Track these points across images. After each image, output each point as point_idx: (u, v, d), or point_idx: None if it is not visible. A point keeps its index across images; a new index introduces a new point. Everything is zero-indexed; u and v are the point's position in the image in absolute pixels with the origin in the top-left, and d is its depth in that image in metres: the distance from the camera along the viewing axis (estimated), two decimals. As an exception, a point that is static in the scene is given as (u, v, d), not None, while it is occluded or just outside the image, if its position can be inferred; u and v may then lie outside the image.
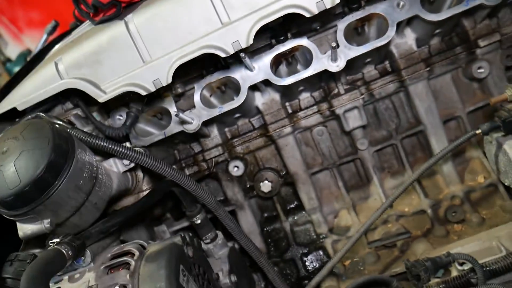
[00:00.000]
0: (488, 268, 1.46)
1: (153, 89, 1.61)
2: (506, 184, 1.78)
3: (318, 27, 1.89)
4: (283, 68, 1.95)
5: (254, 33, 1.53)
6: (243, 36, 1.54)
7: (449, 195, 2.01)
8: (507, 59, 1.91)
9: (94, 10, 1.64)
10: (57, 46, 2.30)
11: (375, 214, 1.76)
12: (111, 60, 1.62)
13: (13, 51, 7.90)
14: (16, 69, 7.45)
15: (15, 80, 2.47)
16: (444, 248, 1.74)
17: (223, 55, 1.55)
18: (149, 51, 1.60)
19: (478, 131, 1.68)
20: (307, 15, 1.50)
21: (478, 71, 1.89)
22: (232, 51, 1.55)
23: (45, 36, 3.25)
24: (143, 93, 1.61)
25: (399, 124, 2.06)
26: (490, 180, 1.97)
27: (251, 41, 1.54)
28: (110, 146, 1.57)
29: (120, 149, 1.58)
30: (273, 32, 1.82)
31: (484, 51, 1.87)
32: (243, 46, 1.55)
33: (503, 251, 1.59)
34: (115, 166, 1.68)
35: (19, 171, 1.31)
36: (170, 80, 1.59)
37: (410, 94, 1.95)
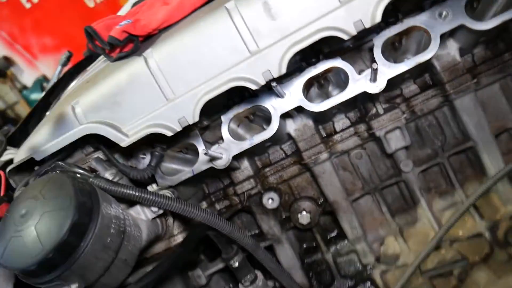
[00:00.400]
0: None
1: (179, 129, 1.48)
2: None
3: (351, 45, 1.73)
4: (314, 90, 1.80)
5: (287, 61, 1.38)
6: (275, 65, 1.40)
7: (508, 215, 1.82)
8: None
9: (110, 47, 1.51)
10: (73, 83, 2.21)
11: (429, 245, 1.60)
12: (132, 101, 1.50)
13: (28, 78, 7.94)
14: (33, 96, 7.47)
15: (33, 115, 2.39)
16: (510, 276, 1.56)
17: (253, 87, 1.41)
18: (172, 87, 1.47)
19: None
20: (345, 37, 1.35)
21: (532, 78, 1.71)
22: (263, 82, 1.41)
23: (59, 68, 3.16)
24: (169, 134, 1.48)
25: (445, 141, 1.88)
26: (552, 197, 1.78)
27: (284, 70, 1.39)
28: (137, 193, 1.45)
29: (147, 196, 1.46)
30: (302, 53, 1.67)
31: (537, 56, 1.69)
32: (275, 76, 1.40)
33: None
34: (143, 214, 1.56)
35: (40, 236, 1.19)
36: (197, 118, 1.46)
37: (456, 108, 1.77)
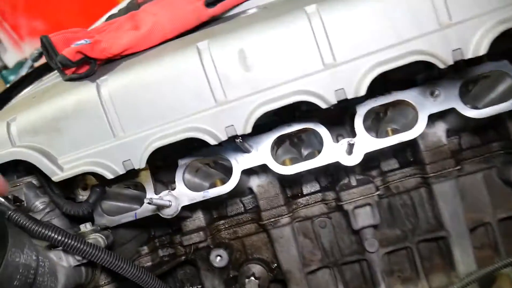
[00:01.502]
0: None
1: (121, 172, 1.29)
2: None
3: (332, 107, 1.58)
4: (285, 146, 1.64)
5: (254, 120, 1.21)
6: (241, 121, 1.22)
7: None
8: (554, 166, 1.59)
9: (62, 66, 1.32)
10: (28, 89, 2.00)
11: None
12: (75, 130, 1.30)
13: (11, 58, 7.63)
14: (11, 77, 7.18)
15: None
16: None
17: (213, 142, 1.23)
18: (122, 124, 1.28)
19: (516, 259, 1.36)
20: (323, 106, 1.20)
21: (518, 176, 1.57)
22: (224, 138, 1.24)
23: (29, 63, 2.96)
24: (109, 176, 1.28)
25: (417, 224, 1.73)
26: (523, 306, 1.63)
27: (249, 130, 1.22)
28: (59, 238, 1.25)
29: (70, 242, 1.26)
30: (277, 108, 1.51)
31: (527, 154, 1.56)
32: (239, 133, 1.23)
33: None
34: (65, 260, 1.35)
35: None
36: (143, 165, 1.28)
37: (433, 193, 1.63)
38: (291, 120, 1.47)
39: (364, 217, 1.62)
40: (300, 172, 1.56)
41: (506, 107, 1.40)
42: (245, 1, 1.55)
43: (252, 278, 1.71)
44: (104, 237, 1.44)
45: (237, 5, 1.55)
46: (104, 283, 1.49)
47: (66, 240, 1.25)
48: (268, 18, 1.23)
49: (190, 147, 1.55)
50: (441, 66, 1.15)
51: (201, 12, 1.44)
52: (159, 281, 1.37)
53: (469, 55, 1.15)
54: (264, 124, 1.59)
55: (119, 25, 1.46)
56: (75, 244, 1.26)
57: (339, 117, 1.66)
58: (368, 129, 1.58)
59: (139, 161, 1.28)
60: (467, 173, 1.67)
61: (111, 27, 1.49)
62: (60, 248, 1.34)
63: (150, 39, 1.38)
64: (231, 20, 1.44)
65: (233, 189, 1.50)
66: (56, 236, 1.24)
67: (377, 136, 1.52)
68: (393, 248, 1.72)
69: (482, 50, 1.14)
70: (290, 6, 1.27)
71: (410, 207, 1.74)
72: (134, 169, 1.29)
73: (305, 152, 1.70)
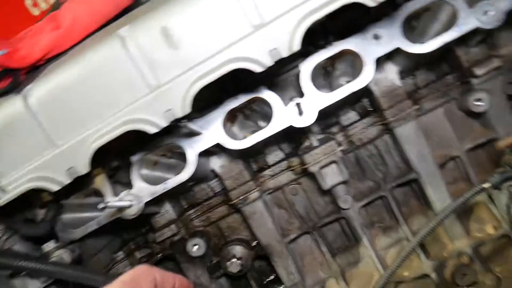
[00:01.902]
0: None
1: (67, 181, 1.22)
2: (524, 239, 1.46)
3: (277, 70, 1.53)
4: (239, 121, 1.58)
5: (191, 99, 1.15)
6: (178, 102, 1.16)
7: (455, 252, 1.67)
8: (509, 86, 1.58)
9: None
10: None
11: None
12: (10, 148, 1.23)
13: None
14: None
15: None
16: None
17: (153, 130, 1.17)
18: (59, 132, 1.21)
19: (486, 185, 1.36)
20: (259, 69, 1.14)
21: (476, 103, 1.54)
22: (164, 124, 1.18)
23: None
24: (54, 188, 1.22)
25: (387, 172, 1.71)
26: (502, 230, 1.63)
27: (188, 109, 1.16)
28: (14, 263, 1.18)
29: (30, 265, 1.19)
30: (221, 83, 1.45)
31: (481, 80, 1.53)
32: (179, 115, 1.17)
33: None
34: (31, 285, 1.29)
35: None
36: (88, 168, 1.21)
37: (397, 137, 1.60)
38: (238, 93, 1.42)
39: (331, 176, 1.59)
40: (259, 144, 1.52)
41: (449, 36, 1.36)
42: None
43: (234, 259, 1.67)
44: (69, 252, 1.37)
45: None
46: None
47: (23, 264, 1.19)
48: (185, -10, 1.16)
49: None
50: (372, 4, 1.11)
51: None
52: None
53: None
54: (214, 103, 1.54)
55: (40, 28, 1.36)
56: (34, 266, 1.20)
57: (289, 80, 1.61)
58: (322, 87, 1.54)
59: (83, 166, 1.21)
60: (427, 111, 1.64)
61: (30, 33, 1.39)
62: (23, 273, 1.28)
63: (71, 36, 1.30)
64: (151, 1, 1.36)
65: (195, 175, 1.44)
66: (10, 262, 1.18)
67: (331, 93, 1.48)
68: (368, 200, 1.69)
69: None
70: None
71: (377, 156, 1.71)
72: (81, 175, 1.22)
73: (263, 123, 1.65)
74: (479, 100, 1.53)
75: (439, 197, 1.62)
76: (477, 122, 1.65)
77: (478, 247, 1.66)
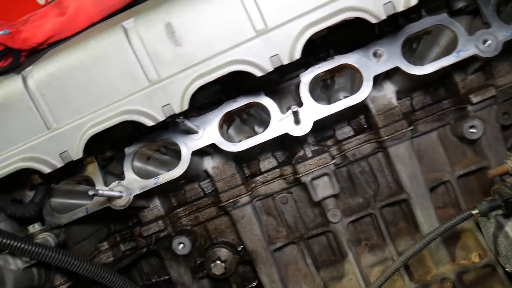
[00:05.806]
0: None
1: (60, 165, 1.23)
2: (508, 270, 1.46)
3: (277, 78, 1.55)
4: (236, 124, 1.60)
5: (189, 96, 1.17)
6: (177, 98, 1.18)
7: (439, 277, 1.67)
8: (503, 117, 1.59)
9: (-18, 59, 1.25)
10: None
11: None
12: (5, 127, 1.24)
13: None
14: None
15: None
16: None
17: (149, 123, 1.19)
18: (55, 115, 1.22)
19: (475, 212, 1.37)
20: (259, 74, 1.15)
21: (470, 130, 1.56)
22: (161, 118, 1.19)
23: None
24: (46, 170, 1.23)
25: (378, 190, 1.72)
26: (487, 260, 1.64)
27: (186, 106, 1.18)
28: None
29: (13, 243, 1.20)
30: (222, 84, 1.48)
31: (476, 107, 1.55)
32: (176, 111, 1.19)
33: None
34: (12, 263, 1.29)
35: None
36: (81, 154, 1.22)
37: (390, 156, 1.61)
38: (237, 96, 1.43)
39: (323, 188, 1.60)
40: (254, 149, 1.53)
41: (447, 61, 1.38)
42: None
43: (218, 261, 1.67)
44: (54, 236, 1.38)
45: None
46: (60, 283, 1.44)
47: (7, 241, 1.19)
48: (193, -11, 1.18)
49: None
50: (374, 21, 1.13)
51: (127, -8, 1.38)
52: (114, 274, 1.33)
53: (401, 7, 1.13)
54: (212, 104, 1.56)
55: (45, 13, 1.38)
56: (18, 244, 1.20)
57: (288, 89, 1.63)
58: (320, 99, 1.56)
59: (77, 151, 1.22)
60: (421, 133, 1.66)
61: (34, 17, 1.41)
62: (6, 251, 1.28)
63: (75, 24, 1.32)
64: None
65: (187, 173, 1.45)
66: (-4, 238, 1.18)
67: (329, 105, 1.49)
68: (356, 217, 1.70)
69: (414, 1, 1.12)
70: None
71: (369, 173, 1.72)
72: (73, 160, 1.24)
73: (259, 130, 1.66)
74: (473, 127, 1.55)
75: (427, 219, 1.63)
76: (469, 148, 1.66)
77: (462, 274, 1.67)
